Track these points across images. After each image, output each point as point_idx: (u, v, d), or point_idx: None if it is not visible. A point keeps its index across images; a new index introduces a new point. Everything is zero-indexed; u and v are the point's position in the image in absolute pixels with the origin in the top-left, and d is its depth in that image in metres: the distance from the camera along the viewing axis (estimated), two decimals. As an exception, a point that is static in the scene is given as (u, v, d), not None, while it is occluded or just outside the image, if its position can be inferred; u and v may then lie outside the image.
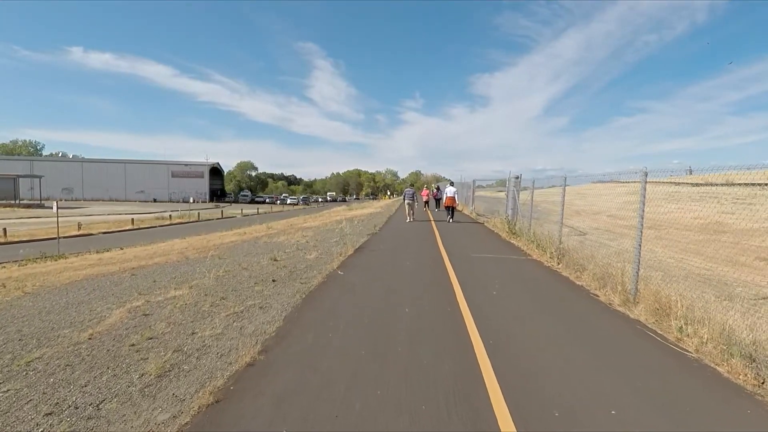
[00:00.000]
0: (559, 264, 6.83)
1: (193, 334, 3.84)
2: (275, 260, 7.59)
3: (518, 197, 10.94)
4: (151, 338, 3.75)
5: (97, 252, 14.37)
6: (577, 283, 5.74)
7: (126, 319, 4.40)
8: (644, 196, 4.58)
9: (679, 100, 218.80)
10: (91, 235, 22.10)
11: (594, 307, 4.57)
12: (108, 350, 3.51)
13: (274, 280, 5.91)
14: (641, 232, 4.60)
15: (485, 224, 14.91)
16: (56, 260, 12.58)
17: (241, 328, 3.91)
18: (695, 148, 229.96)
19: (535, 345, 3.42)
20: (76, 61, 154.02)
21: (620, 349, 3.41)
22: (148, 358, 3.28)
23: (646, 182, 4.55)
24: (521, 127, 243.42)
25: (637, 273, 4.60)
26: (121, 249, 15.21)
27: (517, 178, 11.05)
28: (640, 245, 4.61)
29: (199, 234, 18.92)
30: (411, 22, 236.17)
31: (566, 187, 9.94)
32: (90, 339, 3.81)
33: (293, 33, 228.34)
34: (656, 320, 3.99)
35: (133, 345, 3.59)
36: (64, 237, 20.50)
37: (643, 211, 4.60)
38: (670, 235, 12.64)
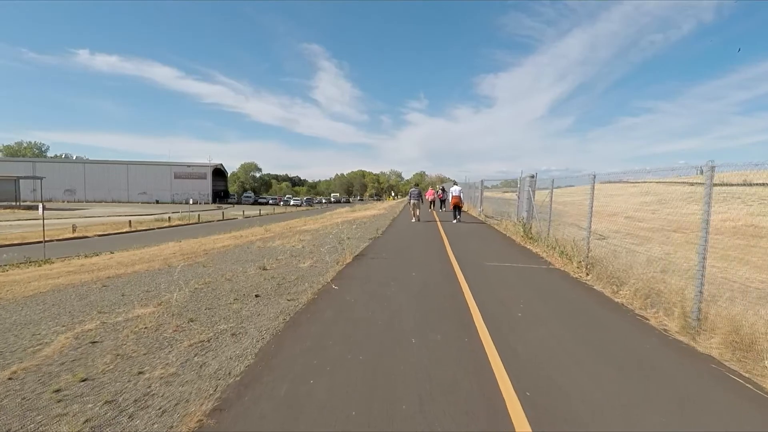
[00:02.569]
0: (588, 275, 5.91)
1: (139, 374, 2.99)
2: (264, 269, 6.75)
3: (534, 198, 10.02)
4: (85, 380, 2.91)
5: (86, 257, 13.66)
6: (615, 300, 4.82)
7: (68, 348, 3.58)
8: (710, 196, 3.67)
9: (685, 99, 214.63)
10: (87, 237, 21.47)
11: (648, 336, 3.65)
12: (23, 399, 2.68)
13: (257, 296, 5.06)
14: (706, 241, 3.69)
15: (495, 227, 13.98)
16: (40, 266, 11.87)
17: (201, 366, 3.06)
18: (701, 149, 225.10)
19: (588, 401, 2.53)
20: (82, 63, 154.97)
21: (706, 406, 2.50)
22: (66, 415, 2.44)
23: (712, 181, 3.64)
24: (526, 127, 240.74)
25: (701, 292, 3.68)
26: (111, 253, 14.48)
27: (532, 177, 10.13)
28: (704, 258, 3.69)
29: (196, 237, 18.19)
30: (415, 23, 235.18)
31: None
32: (10, 379, 2.99)
33: (298, 34, 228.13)
34: (737, 358, 3.07)
35: (58, 390, 2.76)
36: (58, 240, 19.87)
37: (709, 215, 3.68)
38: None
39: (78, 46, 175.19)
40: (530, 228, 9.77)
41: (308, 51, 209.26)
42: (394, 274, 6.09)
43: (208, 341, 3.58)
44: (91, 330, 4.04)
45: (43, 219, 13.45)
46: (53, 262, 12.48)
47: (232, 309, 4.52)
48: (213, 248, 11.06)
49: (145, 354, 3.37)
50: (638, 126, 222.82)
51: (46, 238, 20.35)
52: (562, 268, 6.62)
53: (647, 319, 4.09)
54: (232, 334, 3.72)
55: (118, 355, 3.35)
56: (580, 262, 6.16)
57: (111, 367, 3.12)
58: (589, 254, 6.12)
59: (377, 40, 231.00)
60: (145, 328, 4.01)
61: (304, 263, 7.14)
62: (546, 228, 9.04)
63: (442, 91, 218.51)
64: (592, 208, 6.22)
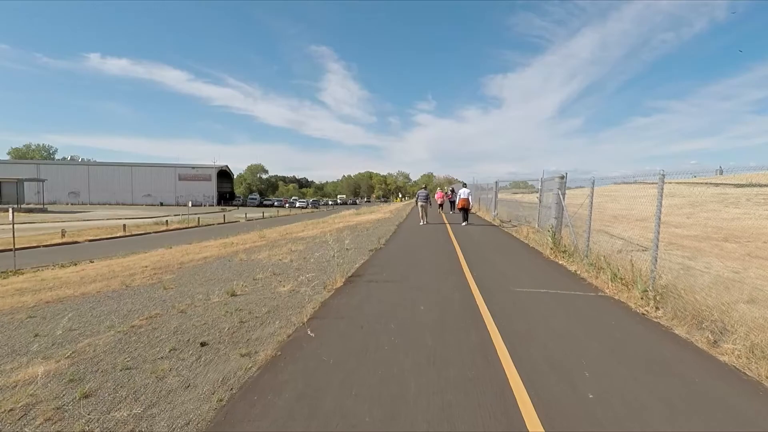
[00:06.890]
0: (658, 310, 4.36)
1: None
2: (233, 295, 5.36)
3: (564, 202, 8.45)
4: None
5: (61, 266, 12.49)
6: (720, 359, 3.28)
7: None
8: None
9: (698, 99, 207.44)
10: (77, 243, 20.49)
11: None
12: None
13: (203, 344, 3.64)
14: None
15: (514, 234, 12.41)
16: (6, 278, 10.69)
17: None
18: (715, 148, 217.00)
19: None
20: (93, 67, 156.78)
21: None
22: None
23: None
24: (535, 128, 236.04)
25: None
26: (91, 262, 13.31)
27: (562, 178, 8.57)
28: None
29: (190, 242, 17.04)
30: (424, 24, 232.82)
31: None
32: None
33: (307, 36, 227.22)
34: None
35: None
36: (45, 246, 18.89)
37: None
38: (763, 251, 9.90)
39: (89, 50, 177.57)
40: (561, 239, 8.21)
41: (317, 53, 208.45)
42: (394, 310, 4.59)
43: (81, 452, 2.16)
44: (-67, 412, 2.66)
45: (13, 225, 12.32)
46: (22, 273, 11.31)
47: (157, 371, 3.10)
48: (192, 260, 9.73)
49: (-39, 483, 1.96)
50: (650, 126, 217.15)
51: (34, 244, 19.42)
52: (615, 297, 5.07)
53: (799, 406, 2.55)
54: (127, 435, 2.29)
55: None
56: (645, 291, 4.60)
57: None
58: (659, 282, 4.56)
59: (385, 41, 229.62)
60: (10, 410, 2.61)
61: (284, 286, 5.71)
62: (576, 238, 7.51)
63: (451, 92, 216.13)
64: (659, 219, 4.67)
